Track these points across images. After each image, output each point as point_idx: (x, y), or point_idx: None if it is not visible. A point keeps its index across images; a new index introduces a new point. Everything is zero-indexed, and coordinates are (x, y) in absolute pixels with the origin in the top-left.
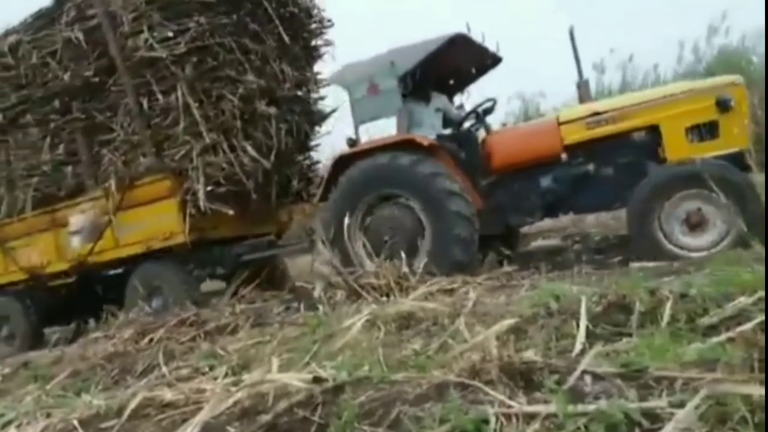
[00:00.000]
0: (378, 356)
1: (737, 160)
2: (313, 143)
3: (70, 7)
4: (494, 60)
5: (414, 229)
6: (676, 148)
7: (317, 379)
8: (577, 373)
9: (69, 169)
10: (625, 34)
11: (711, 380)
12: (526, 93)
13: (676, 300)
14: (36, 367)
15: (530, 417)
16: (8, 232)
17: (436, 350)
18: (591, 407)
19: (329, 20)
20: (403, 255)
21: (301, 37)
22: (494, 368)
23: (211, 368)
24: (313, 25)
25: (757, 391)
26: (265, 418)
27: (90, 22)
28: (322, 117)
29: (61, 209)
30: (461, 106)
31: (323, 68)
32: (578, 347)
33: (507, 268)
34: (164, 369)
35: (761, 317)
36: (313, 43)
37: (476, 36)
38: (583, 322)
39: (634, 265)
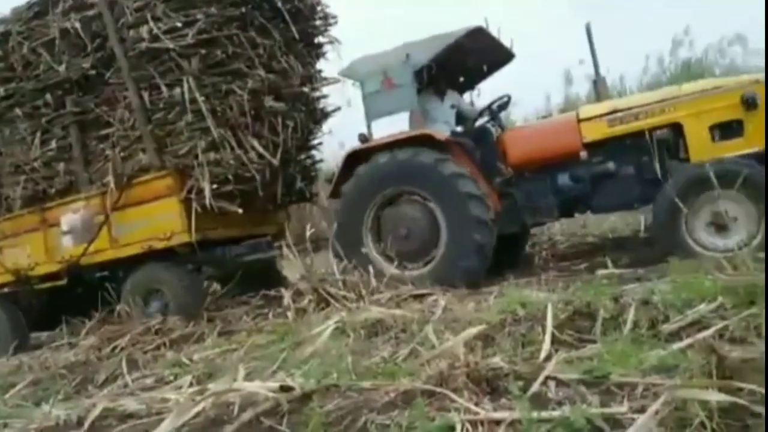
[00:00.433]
0: (347, 364)
1: (762, 159)
2: (315, 141)
3: None
4: (507, 56)
5: (430, 230)
6: (700, 147)
7: (284, 388)
8: (541, 379)
9: (61, 165)
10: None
11: (670, 386)
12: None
13: (638, 307)
14: None
15: (495, 423)
16: None
17: (405, 357)
18: (554, 413)
19: (334, 16)
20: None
21: (306, 33)
22: (461, 375)
23: (176, 377)
24: (318, 21)
25: (715, 397)
26: (230, 428)
27: (88, 11)
28: (325, 115)
29: (52, 208)
30: (472, 104)
31: (326, 66)
32: (544, 353)
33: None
34: (127, 378)
35: (720, 324)
36: (317, 40)
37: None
38: (549, 329)
39: (600, 272)
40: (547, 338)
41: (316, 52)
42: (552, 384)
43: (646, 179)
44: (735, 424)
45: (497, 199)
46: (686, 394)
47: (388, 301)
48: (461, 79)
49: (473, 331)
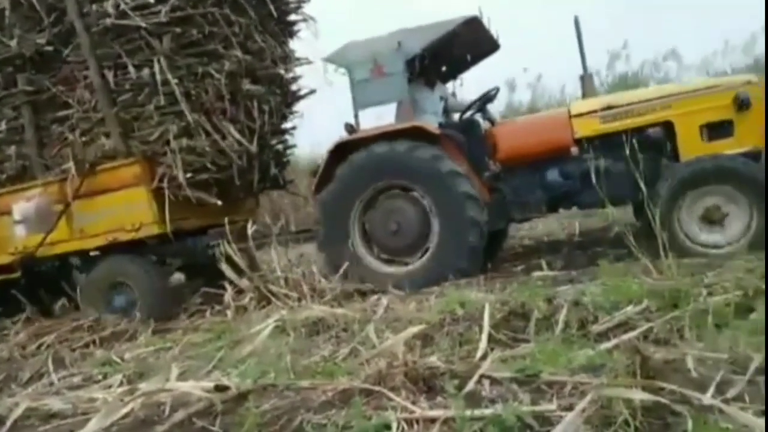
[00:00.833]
0: (285, 363)
1: (753, 159)
2: (288, 125)
3: None
4: (493, 47)
5: (421, 227)
6: (690, 145)
7: (219, 388)
8: (475, 378)
9: (12, 149)
10: (539, 55)
11: (597, 385)
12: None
13: (570, 308)
14: None
15: (430, 421)
16: None
17: (345, 357)
18: (487, 411)
19: None
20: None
21: (279, 10)
22: (399, 374)
23: (105, 376)
24: None
25: (638, 395)
26: (160, 429)
27: None
28: (298, 98)
29: (2, 195)
30: (454, 94)
31: (300, 47)
32: (480, 353)
33: None
34: (53, 377)
35: (645, 326)
36: (290, 18)
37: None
38: (486, 329)
39: (535, 274)
40: (484, 338)
41: (289, 30)
42: (486, 382)
43: (637, 177)
44: (656, 422)
45: (487, 192)
46: (611, 393)
47: (332, 299)
48: (443, 68)
49: (413, 330)
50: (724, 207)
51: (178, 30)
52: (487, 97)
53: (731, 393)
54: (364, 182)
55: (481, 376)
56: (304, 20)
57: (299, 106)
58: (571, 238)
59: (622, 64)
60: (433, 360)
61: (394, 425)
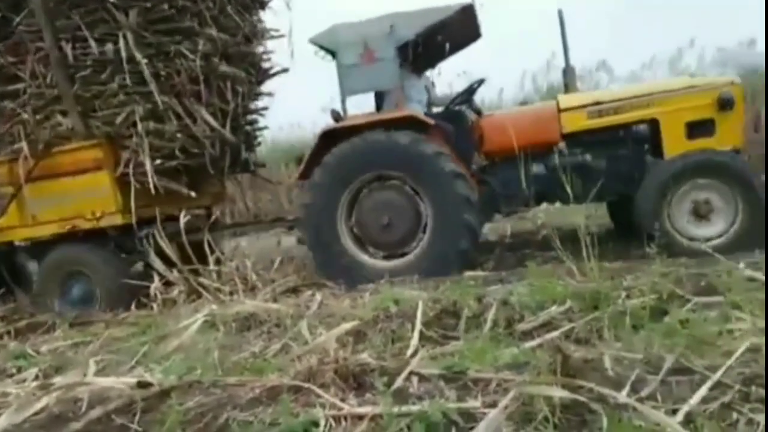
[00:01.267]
0: (213, 359)
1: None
2: (260, 105)
3: None
4: (475, 36)
5: (414, 217)
6: (675, 143)
7: (141, 384)
8: (404, 374)
9: None
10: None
11: (520, 382)
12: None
13: (498, 307)
14: None
15: (358, 418)
16: None
17: (276, 353)
18: (414, 408)
19: None
20: None
21: None
22: (330, 371)
23: (20, 370)
24: None
25: (558, 393)
26: (76, 425)
27: None
28: (269, 75)
29: None
30: (433, 84)
31: (269, 18)
32: (411, 349)
33: None
34: None
35: (568, 326)
36: None
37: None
38: (418, 326)
39: (467, 273)
40: (415, 335)
41: (260, 1)
42: (415, 379)
43: (622, 172)
44: (574, 419)
45: (476, 185)
46: (533, 390)
47: (265, 294)
48: (430, 56)
49: (346, 326)
50: (712, 201)
51: (147, 4)
52: (473, 88)
53: (645, 392)
54: (350, 173)
55: (410, 373)
56: None
57: (271, 85)
58: (502, 239)
59: (556, 72)
60: (365, 357)
61: (322, 422)
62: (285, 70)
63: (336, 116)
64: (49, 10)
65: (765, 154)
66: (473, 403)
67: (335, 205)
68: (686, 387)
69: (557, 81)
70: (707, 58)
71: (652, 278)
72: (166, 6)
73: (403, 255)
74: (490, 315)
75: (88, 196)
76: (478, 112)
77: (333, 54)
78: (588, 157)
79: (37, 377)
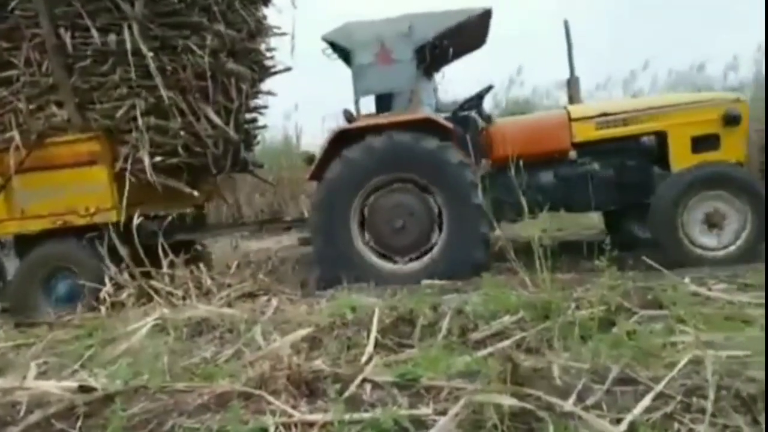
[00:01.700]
0: (162, 364)
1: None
2: (261, 103)
3: None
4: (480, 43)
5: (428, 222)
6: (681, 156)
7: (84, 388)
8: (357, 381)
9: None
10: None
11: (471, 390)
12: None
13: (453, 316)
14: None
15: (309, 425)
16: None
17: (228, 358)
18: (366, 415)
19: None
20: None
21: None
22: (282, 377)
23: None
24: None
25: (507, 401)
26: (15, 429)
27: None
28: (271, 73)
29: None
30: (435, 89)
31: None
32: (366, 356)
33: None
34: None
35: (519, 335)
36: None
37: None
38: (374, 333)
39: (424, 282)
40: (371, 342)
41: None
42: (368, 386)
43: (629, 183)
44: (522, 427)
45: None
46: (483, 398)
47: (220, 299)
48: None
49: (302, 333)
50: (723, 211)
51: None
52: (482, 94)
53: (590, 401)
54: (364, 175)
55: (364, 380)
56: None
57: (270, 84)
58: None
59: (516, 89)
60: (318, 363)
61: (272, 429)
62: (288, 69)
63: (349, 116)
64: None
65: (765, 158)
66: (425, 411)
67: (349, 205)
68: (630, 397)
69: (521, 96)
70: (660, 80)
71: (601, 290)
72: None
73: (413, 260)
74: (445, 324)
75: (82, 190)
76: (487, 119)
77: (345, 53)
78: (596, 166)
79: None
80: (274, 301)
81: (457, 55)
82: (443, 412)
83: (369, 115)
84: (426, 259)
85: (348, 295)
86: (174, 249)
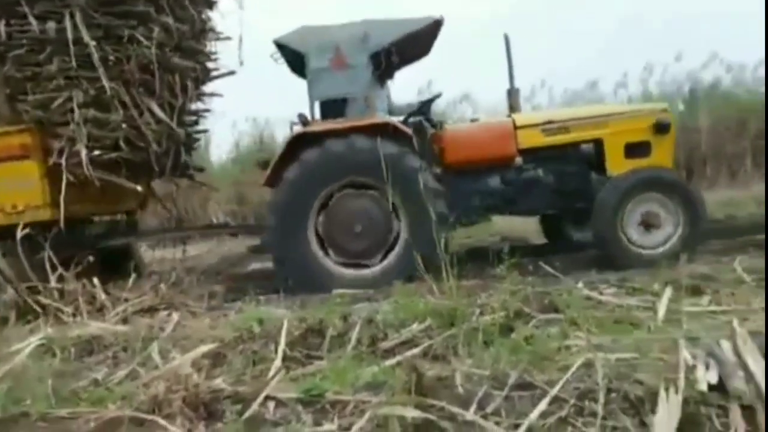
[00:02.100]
0: (46, 388)
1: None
2: (201, 107)
3: None
4: (425, 52)
5: (386, 226)
6: (616, 162)
7: None
8: (259, 400)
9: None
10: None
11: (376, 403)
12: None
13: (363, 325)
14: None
15: None
16: None
17: (121, 380)
18: None
19: None
20: None
21: None
22: (178, 399)
23: None
24: None
25: (411, 413)
26: None
27: None
28: (214, 77)
29: None
30: (388, 96)
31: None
32: (273, 371)
33: None
34: None
35: (427, 343)
36: None
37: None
38: (281, 347)
39: (335, 291)
40: (279, 356)
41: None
42: (271, 404)
43: (570, 188)
44: None
45: None
46: (387, 411)
47: (114, 315)
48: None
49: (203, 349)
50: (657, 212)
51: None
52: (431, 101)
53: (490, 408)
54: (322, 180)
55: (267, 398)
56: None
57: (214, 86)
58: None
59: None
60: (219, 382)
61: None
62: (232, 73)
63: (304, 121)
64: None
65: (765, 160)
66: (329, 427)
67: (307, 208)
68: (528, 402)
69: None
70: (557, 97)
71: (503, 296)
72: None
73: (367, 266)
74: (355, 334)
75: (9, 186)
76: (434, 125)
77: (294, 58)
78: (540, 172)
79: None
80: (176, 316)
81: (405, 62)
82: (348, 428)
83: (323, 121)
84: (385, 263)
85: (256, 306)
86: (107, 253)
